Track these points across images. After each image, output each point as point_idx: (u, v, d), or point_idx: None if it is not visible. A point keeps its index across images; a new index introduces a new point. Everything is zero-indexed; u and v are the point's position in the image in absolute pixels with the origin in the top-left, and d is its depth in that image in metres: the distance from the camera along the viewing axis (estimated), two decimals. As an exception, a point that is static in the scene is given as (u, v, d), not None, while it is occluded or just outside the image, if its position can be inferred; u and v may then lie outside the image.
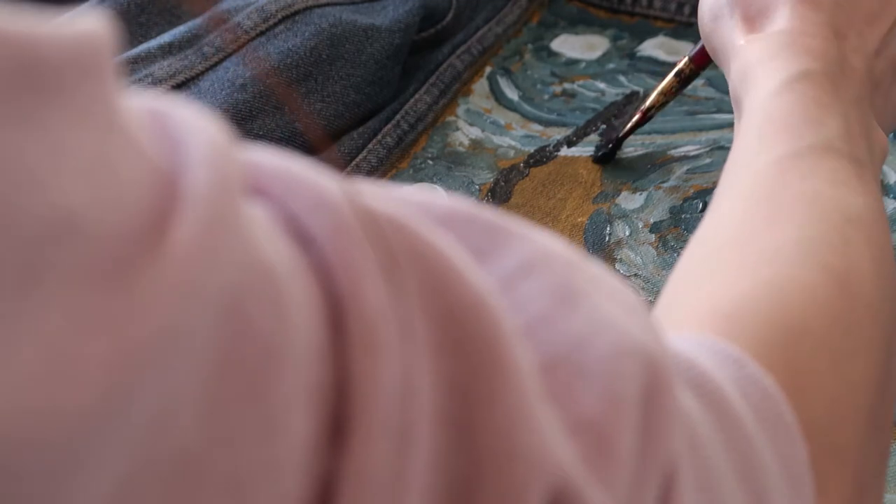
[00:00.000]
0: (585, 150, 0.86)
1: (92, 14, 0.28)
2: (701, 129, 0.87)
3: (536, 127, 0.89)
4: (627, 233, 0.80)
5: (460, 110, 0.90)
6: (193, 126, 0.29)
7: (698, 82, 0.89)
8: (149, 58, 0.82)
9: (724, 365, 0.43)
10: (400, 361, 0.31)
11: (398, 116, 0.88)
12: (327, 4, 0.87)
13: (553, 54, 0.95)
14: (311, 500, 0.30)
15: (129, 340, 0.26)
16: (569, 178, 0.84)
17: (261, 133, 0.82)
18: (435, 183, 0.85)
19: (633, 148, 0.86)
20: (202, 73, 0.83)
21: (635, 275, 0.77)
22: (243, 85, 0.82)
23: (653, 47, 0.95)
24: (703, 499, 0.38)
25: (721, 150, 0.85)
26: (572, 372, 0.34)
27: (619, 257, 0.78)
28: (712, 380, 0.41)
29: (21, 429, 0.25)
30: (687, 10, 0.96)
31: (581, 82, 0.92)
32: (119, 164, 0.27)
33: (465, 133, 0.88)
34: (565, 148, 0.87)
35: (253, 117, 0.82)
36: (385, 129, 0.87)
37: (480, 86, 0.92)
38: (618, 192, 0.83)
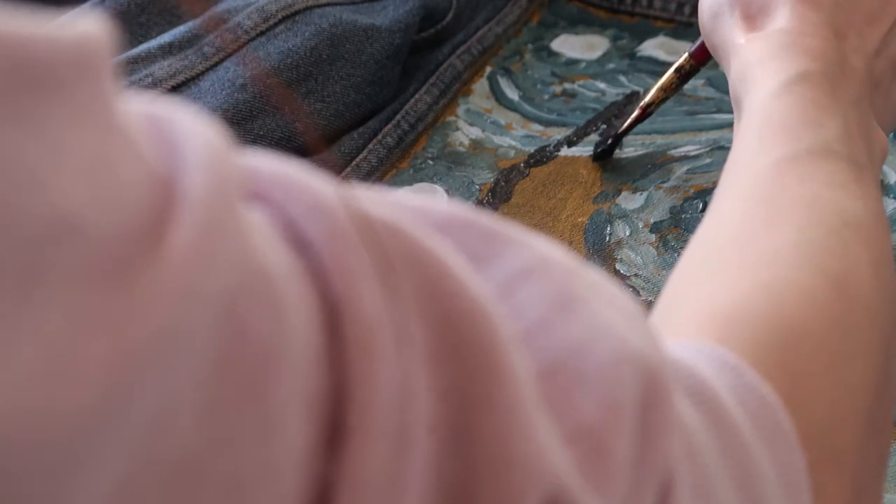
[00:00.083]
0: (585, 150, 0.86)
1: (91, 15, 0.28)
2: (701, 129, 0.87)
3: (537, 127, 0.89)
4: (628, 233, 0.80)
5: (460, 110, 0.90)
6: (190, 130, 0.29)
7: (698, 82, 0.89)
8: (149, 58, 0.82)
9: (723, 373, 0.43)
10: (397, 366, 0.31)
11: (398, 116, 0.88)
12: (327, 4, 0.87)
13: (553, 54, 0.95)
14: (309, 503, 0.30)
15: (129, 340, 0.26)
16: (569, 178, 0.84)
17: (261, 133, 0.82)
18: (435, 183, 0.85)
19: (633, 148, 0.86)
20: (202, 73, 0.83)
21: (635, 275, 0.77)
22: (243, 85, 0.82)
23: (653, 47, 0.95)
24: None
25: (721, 150, 0.85)
26: (570, 379, 0.34)
27: (619, 257, 0.78)
28: (710, 388, 0.41)
29: (21, 429, 0.25)
30: (687, 10, 0.96)
31: (581, 82, 0.92)
32: (118, 164, 0.27)
33: (465, 133, 0.88)
34: (565, 148, 0.87)
35: (253, 117, 0.82)
36: (385, 129, 0.87)
37: (480, 86, 0.92)
38: (618, 192, 0.83)
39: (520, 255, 0.36)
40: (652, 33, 0.96)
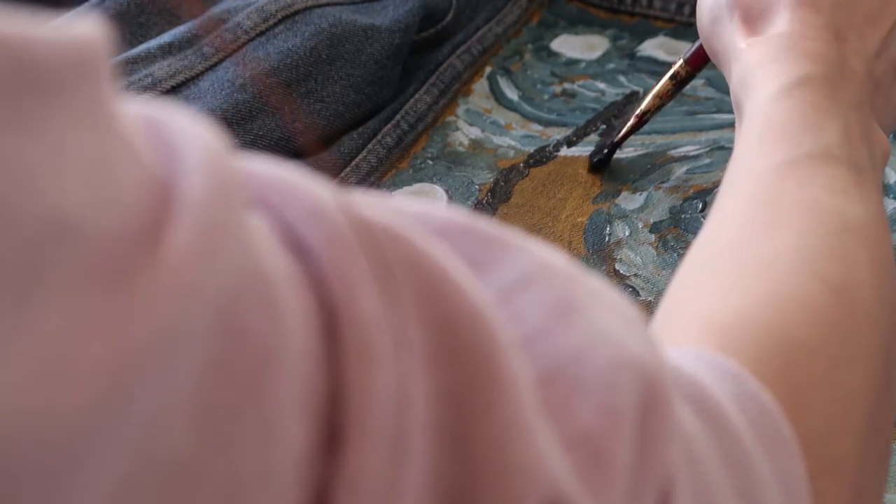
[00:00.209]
0: (585, 150, 0.86)
1: (89, 17, 0.28)
2: (701, 129, 0.87)
3: (536, 127, 0.89)
4: (627, 233, 0.80)
5: (460, 110, 0.90)
6: (189, 133, 0.29)
7: (698, 82, 0.89)
8: (149, 58, 0.82)
9: (723, 380, 0.43)
10: (394, 371, 0.31)
11: (398, 116, 0.88)
12: (327, 4, 0.87)
13: (553, 54, 0.95)
14: (306, 506, 0.30)
15: (128, 341, 0.26)
16: (569, 178, 0.84)
17: (261, 133, 0.82)
18: (435, 183, 0.85)
19: (632, 148, 0.86)
20: (202, 73, 0.83)
21: (635, 275, 0.77)
22: (243, 85, 0.82)
23: (653, 47, 0.95)
24: None
25: (721, 150, 0.85)
26: (570, 385, 0.34)
27: (618, 257, 0.78)
28: (711, 395, 0.41)
29: (21, 429, 0.25)
30: (687, 10, 0.96)
31: (581, 82, 0.92)
32: (117, 165, 0.27)
33: (465, 133, 0.88)
34: (565, 148, 0.87)
35: (253, 117, 0.82)
36: (385, 129, 0.87)
37: (480, 86, 0.92)
38: (618, 192, 0.83)
39: (519, 261, 0.36)
40: (652, 33, 0.96)
